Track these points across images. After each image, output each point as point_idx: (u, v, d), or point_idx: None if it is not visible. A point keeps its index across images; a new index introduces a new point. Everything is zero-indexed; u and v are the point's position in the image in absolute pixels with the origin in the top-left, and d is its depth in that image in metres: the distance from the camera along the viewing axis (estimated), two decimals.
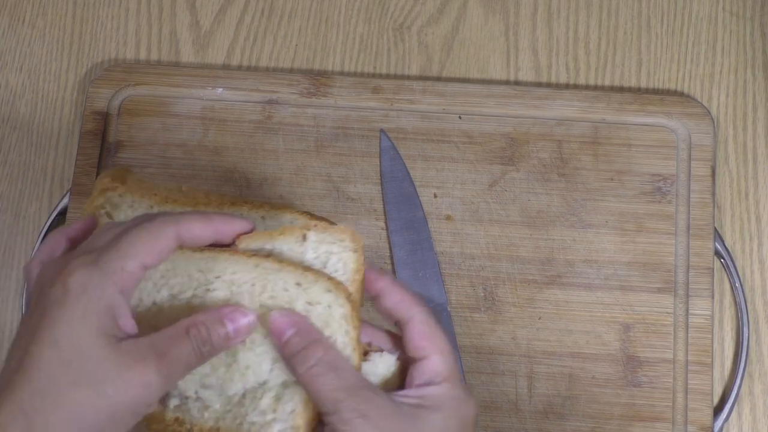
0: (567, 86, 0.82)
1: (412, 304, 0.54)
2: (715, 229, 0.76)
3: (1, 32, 0.84)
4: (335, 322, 0.53)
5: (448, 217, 0.76)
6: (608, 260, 0.75)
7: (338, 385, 0.49)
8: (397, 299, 0.54)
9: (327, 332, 0.52)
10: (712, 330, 0.73)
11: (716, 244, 0.75)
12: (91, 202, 0.63)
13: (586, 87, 0.82)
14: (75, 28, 0.85)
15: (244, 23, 0.84)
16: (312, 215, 0.63)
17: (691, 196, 0.76)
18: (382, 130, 0.78)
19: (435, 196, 0.77)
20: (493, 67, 0.83)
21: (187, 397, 0.53)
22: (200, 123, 0.79)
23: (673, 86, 0.82)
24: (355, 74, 0.83)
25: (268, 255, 0.55)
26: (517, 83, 0.82)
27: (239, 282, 0.53)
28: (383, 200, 0.76)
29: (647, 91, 0.82)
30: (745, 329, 0.74)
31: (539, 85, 0.82)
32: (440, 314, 0.72)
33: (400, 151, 0.78)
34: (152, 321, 0.53)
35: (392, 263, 0.75)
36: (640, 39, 0.84)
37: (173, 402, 0.53)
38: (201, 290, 0.54)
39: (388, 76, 0.83)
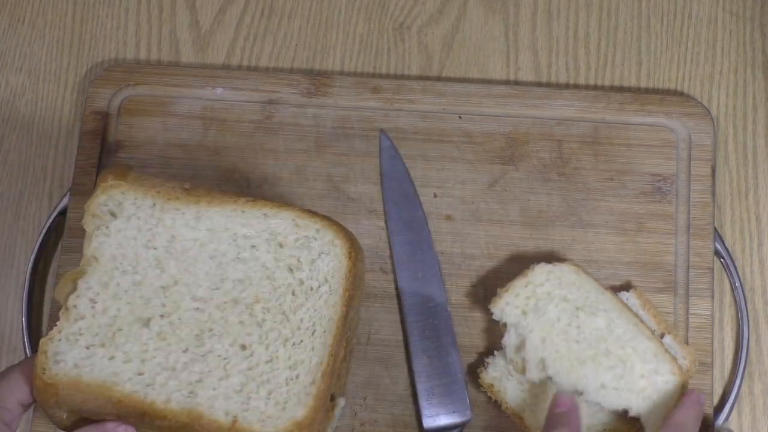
0: (567, 86, 0.82)
1: None
2: (715, 228, 0.76)
3: (1, 32, 0.84)
4: None
5: (448, 217, 0.76)
6: (608, 260, 0.75)
7: None
8: None
9: None
10: (712, 330, 0.73)
11: (716, 243, 0.75)
12: (93, 199, 0.63)
13: (586, 87, 0.82)
14: (75, 28, 0.85)
15: (244, 23, 0.84)
16: (313, 213, 0.63)
17: (691, 195, 0.76)
18: (381, 130, 0.78)
19: (435, 196, 0.77)
20: (493, 66, 0.83)
21: None
22: (200, 123, 0.79)
23: (673, 86, 0.82)
24: (355, 74, 0.83)
25: None
26: (517, 83, 0.82)
27: None
28: (383, 200, 0.76)
29: (647, 90, 0.82)
30: (745, 329, 0.74)
31: (539, 84, 0.82)
32: (441, 314, 0.73)
33: (400, 151, 0.77)
34: None
35: (392, 263, 0.75)
36: (640, 39, 0.84)
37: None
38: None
39: (388, 76, 0.83)
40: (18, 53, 0.84)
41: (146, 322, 0.61)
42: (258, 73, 0.80)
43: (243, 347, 0.60)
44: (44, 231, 0.77)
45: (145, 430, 0.59)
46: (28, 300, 0.76)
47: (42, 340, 0.59)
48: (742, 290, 0.75)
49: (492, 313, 0.69)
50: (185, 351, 0.60)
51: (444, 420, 0.70)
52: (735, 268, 0.76)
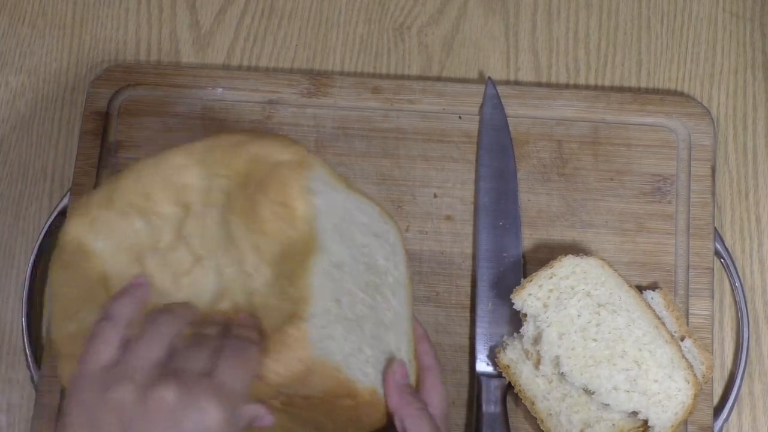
0: (567, 86, 0.82)
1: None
2: (715, 229, 0.76)
3: (1, 33, 0.85)
4: None
5: (448, 217, 0.76)
6: (608, 260, 0.75)
7: None
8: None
9: None
10: (712, 330, 0.73)
11: (716, 244, 0.75)
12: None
13: (586, 87, 0.82)
14: (75, 29, 0.85)
15: (244, 23, 0.84)
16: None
17: (691, 196, 0.76)
18: (489, 78, 0.79)
19: (435, 196, 0.77)
20: (493, 67, 0.83)
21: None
22: (200, 123, 0.79)
23: (673, 86, 0.82)
24: (355, 74, 0.83)
25: None
26: (517, 83, 0.82)
27: None
28: (477, 146, 0.77)
29: (647, 91, 0.82)
30: (745, 329, 0.74)
31: (539, 85, 0.82)
32: (516, 267, 0.74)
33: (399, 152, 0.78)
34: None
35: (475, 208, 0.75)
36: (640, 39, 0.84)
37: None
38: None
39: (388, 76, 0.83)
40: (18, 53, 0.84)
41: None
42: (258, 74, 0.80)
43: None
44: (44, 231, 0.77)
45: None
46: (28, 300, 0.76)
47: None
48: (742, 290, 0.75)
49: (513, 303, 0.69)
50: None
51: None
52: (735, 268, 0.76)
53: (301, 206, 0.57)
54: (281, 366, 0.53)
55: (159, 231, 0.60)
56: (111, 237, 0.60)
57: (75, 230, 0.60)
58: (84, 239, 0.60)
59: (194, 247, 0.59)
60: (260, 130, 0.78)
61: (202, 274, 0.59)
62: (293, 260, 0.56)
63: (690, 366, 0.67)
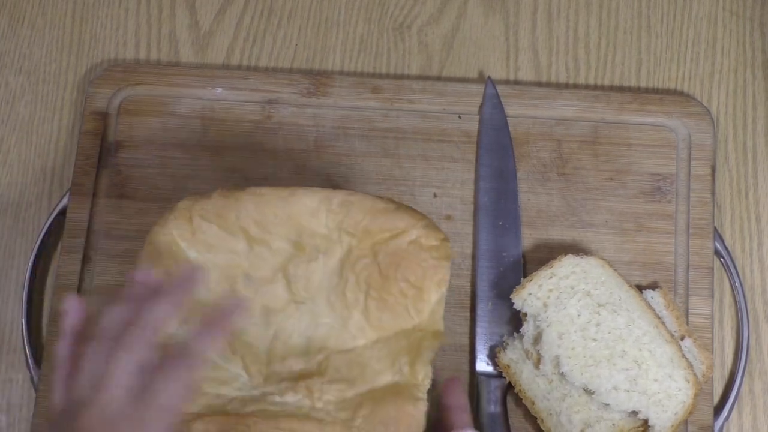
0: (567, 86, 0.82)
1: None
2: (715, 228, 0.76)
3: (1, 33, 0.84)
4: None
5: (448, 217, 0.76)
6: (608, 259, 0.75)
7: None
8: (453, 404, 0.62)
9: None
10: (712, 329, 0.73)
11: (716, 243, 0.75)
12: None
13: (586, 87, 0.82)
14: (74, 29, 0.85)
15: (243, 23, 0.84)
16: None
17: (690, 195, 0.76)
18: (489, 77, 0.79)
19: (435, 196, 0.77)
20: (493, 66, 0.83)
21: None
22: (200, 123, 0.79)
23: (673, 86, 0.82)
24: (354, 74, 0.83)
25: None
26: (516, 83, 0.82)
27: None
28: (477, 145, 0.77)
29: (647, 90, 0.82)
30: (745, 328, 0.74)
31: (539, 84, 0.82)
32: (516, 267, 0.73)
33: (399, 151, 0.78)
34: None
35: (475, 208, 0.75)
36: (640, 39, 0.84)
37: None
38: None
39: (388, 76, 0.83)
40: (18, 54, 0.84)
41: None
42: (257, 73, 0.80)
43: None
44: (44, 231, 0.77)
45: None
46: (28, 300, 0.76)
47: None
48: (742, 290, 0.75)
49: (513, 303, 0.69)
50: None
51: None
52: (735, 267, 0.76)
53: (434, 298, 0.60)
54: None
55: (261, 261, 0.60)
56: (210, 251, 0.60)
57: (175, 233, 0.60)
58: (179, 244, 0.60)
59: (296, 288, 0.60)
60: (261, 130, 0.78)
61: (296, 316, 0.60)
62: (411, 341, 0.59)
63: (690, 365, 0.67)
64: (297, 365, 0.58)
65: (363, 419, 0.56)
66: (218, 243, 0.60)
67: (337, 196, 0.61)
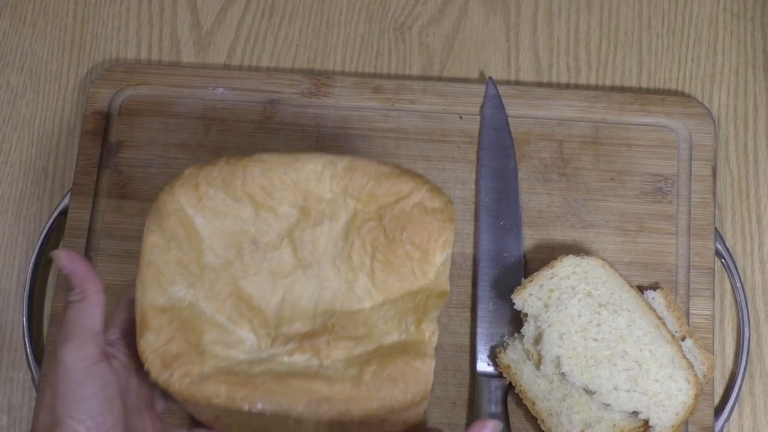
0: (568, 86, 0.82)
1: None
2: (716, 229, 0.76)
3: (3, 32, 0.85)
4: None
5: None
6: (609, 260, 0.75)
7: None
8: None
9: None
10: (713, 330, 0.73)
11: (717, 244, 0.75)
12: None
13: (587, 87, 0.82)
14: (76, 28, 0.85)
15: (245, 23, 0.84)
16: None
17: (692, 196, 0.76)
18: (490, 78, 0.79)
19: None
20: (494, 67, 0.83)
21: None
22: (201, 123, 0.79)
23: (674, 86, 0.82)
24: (356, 74, 0.83)
25: None
26: (517, 83, 0.82)
27: None
28: (478, 145, 0.77)
29: (648, 91, 0.82)
30: (746, 329, 0.74)
31: (540, 85, 0.82)
32: (517, 267, 0.73)
33: (400, 152, 0.78)
34: None
35: (476, 208, 0.75)
36: (641, 39, 0.84)
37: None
38: None
39: (388, 76, 0.83)
40: (19, 53, 0.84)
41: None
42: (259, 74, 0.80)
43: None
44: (45, 231, 0.77)
45: None
46: (28, 300, 0.76)
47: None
48: (743, 290, 0.75)
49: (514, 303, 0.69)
50: None
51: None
52: (736, 268, 0.76)
53: (439, 259, 0.60)
54: (407, 395, 0.56)
55: (267, 226, 0.61)
56: (217, 218, 0.61)
57: (181, 200, 0.61)
58: (186, 211, 0.60)
59: (302, 253, 0.60)
60: (262, 130, 0.78)
61: (303, 280, 0.60)
62: (417, 302, 0.59)
63: (691, 366, 0.67)
64: (304, 327, 0.59)
65: (371, 376, 0.56)
66: (224, 209, 0.61)
67: (342, 161, 0.61)
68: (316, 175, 0.61)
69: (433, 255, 0.60)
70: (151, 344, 0.57)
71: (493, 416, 0.69)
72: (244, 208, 0.61)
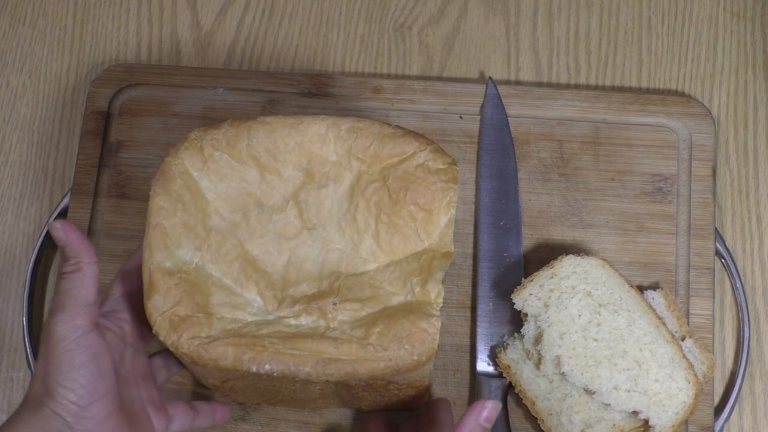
0: (568, 86, 0.82)
1: None
2: (716, 229, 0.76)
3: (2, 33, 0.85)
4: None
5: None
6: (609, 260, 0.75)
7: None
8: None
9: None
10: (713, 330, 0.73)
11: (717, 244, 0.75)
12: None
13: (587, 87, 0.82)
14: (76, 29, 0.85)
15: (244, 24, 0.84)
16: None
17: (691, 196, 0.76)
18: (490, 78, 0.79)
19: None
20: (494, 66, 0.83)
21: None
22: (201, 123, 0.79)
23: (674, 86, 0.82)
24: (355, 74, 0.83)
25: None
26: (517, 83, 0.82)
27: None
28: (478, 145, 0.77)
29: (648, 91, 0.82)
30: (746, 329, 0.74)
31: (540, 84, 0.82)
32: (517, 267, 0.73)
33: None
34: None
35: (476, 208, 0.75)
36: (641, 39, 0.84)
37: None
38: None
39: (388, 76, 0.83)
40: (19, 53, 0.84)
41: None
42: (259, 74, 0.80)
43: None
44: (45, 231, 0.77)
45: None
46: (29, 300, 0.76)
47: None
48: (743, 290, 0.75)
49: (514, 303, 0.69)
50: None
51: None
52: (736, 268, 0.76)
53: (443, 220, 0.60)
54: (413, 355, 0.57)
55: (272, 189, 0.61)
56: (222, 180, 0.61)
57: (186, 163, 0.61)
58: (191, 174, 0.60)
59: (307, 215, 0.61)
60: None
61: (308, 243, 0.61)
62: (422, 263, 0.60)
63: (691, 366, 0.67)
64: (310, 289, 0.59)
65: (377, 336, 0.57)
66: (230, 172, 0.61)
67: (346, 123, 0.61)
68: (320, 137, 0.61)
69: (437, 216, 0.60)
70: (158, 307, 0.57)
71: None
72: (249, 171, 0.61)
